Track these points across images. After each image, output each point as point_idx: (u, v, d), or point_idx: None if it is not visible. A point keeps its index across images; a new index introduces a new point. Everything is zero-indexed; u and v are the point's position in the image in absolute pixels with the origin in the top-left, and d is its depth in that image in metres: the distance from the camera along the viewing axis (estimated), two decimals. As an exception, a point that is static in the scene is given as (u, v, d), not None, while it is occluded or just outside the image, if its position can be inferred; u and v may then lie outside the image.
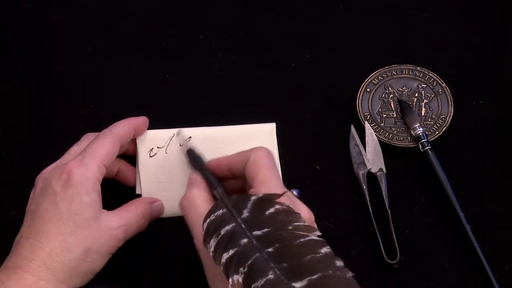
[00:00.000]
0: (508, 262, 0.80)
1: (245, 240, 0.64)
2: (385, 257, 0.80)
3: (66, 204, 0.73)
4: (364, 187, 0.83)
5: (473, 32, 0.94)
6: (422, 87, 0.89)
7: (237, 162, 0.73)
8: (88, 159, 0.76)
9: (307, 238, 0.64)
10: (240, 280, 0.63)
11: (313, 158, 0.86)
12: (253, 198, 0.67)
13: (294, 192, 0.75)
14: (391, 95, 0.89)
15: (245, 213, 0.66)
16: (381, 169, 0.84)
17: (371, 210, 0.82)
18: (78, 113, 0.89)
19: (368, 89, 0.89)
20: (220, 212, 0.67)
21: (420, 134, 0.85)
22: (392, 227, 0.81)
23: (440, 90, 0.89)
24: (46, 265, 0.71)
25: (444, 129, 0.87)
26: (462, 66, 0.91)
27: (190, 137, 0.84)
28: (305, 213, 0.69)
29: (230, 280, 0.63)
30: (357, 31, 0.94)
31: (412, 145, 0.86)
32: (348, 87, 0.90)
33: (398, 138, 0.87)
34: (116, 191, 0.83)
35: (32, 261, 0.71)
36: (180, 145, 0.83)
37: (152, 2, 0.98)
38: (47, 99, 0.91)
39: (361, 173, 0.84)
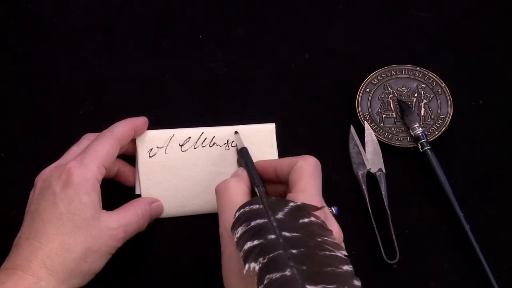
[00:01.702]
0: (507, 262, 0.80)
1: (272, 236, 0.65)
2: (384, 257, 0.80)
3: (66, 205, 0.73)
4: (364, 187, 0.83)
5: (472, 32, 0.93)
6: (422, 87, 0.89)
7: (284, 165, 0.74)
8: (88, 160, 0.76)
9: (333, 253, 0.65)
10: (257, 268, 0.63)
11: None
12: (291, 204, 0.68)
13: (333, 209, 0.74)
14: (391, 95, 0.89)
15: (279, 215, 0.67)
16: (380, 169, 0.84)
17: (370, 210, 0.82)
18: (78, 113, 0.89)
19: (367, 89, 0.89)
20: (256, 206, 0.68)
21: (420, 134, 0.85)
22: (391, 227, 0.81)
23: (439, 90, 0.89)
24: (45, 265, 0.71)
25: (443, 129, 0.87)
26: (461, 66, 0.91)
27: (190, 137, 0.84)
28: (336, 231, 0.69)
29: (247, 266, 0.63)
30: (356, 31, 0.94)
31: (412, 145, 0.86)
32: (348, 87, 0.90)
33: (398, 138, 0.87)
34: (116, 191, 0.83)
35: (32, 261, 0.71)
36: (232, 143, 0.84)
37: (152, 2, 0.98)
38: (47, 99, 0.91)
39: (360, 173, 0.84)
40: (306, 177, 0.71)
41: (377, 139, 0.86)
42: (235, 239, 0.66)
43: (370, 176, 0.84)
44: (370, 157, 0.85)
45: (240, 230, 0.66)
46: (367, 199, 0.82)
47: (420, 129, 0.85)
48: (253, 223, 0.66)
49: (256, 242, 0.65)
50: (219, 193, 0.73)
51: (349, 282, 0.62)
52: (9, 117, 0.90)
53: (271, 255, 0.63)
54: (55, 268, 0.71)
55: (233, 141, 0.84)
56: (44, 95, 0.91)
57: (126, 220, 0.76)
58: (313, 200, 0.69)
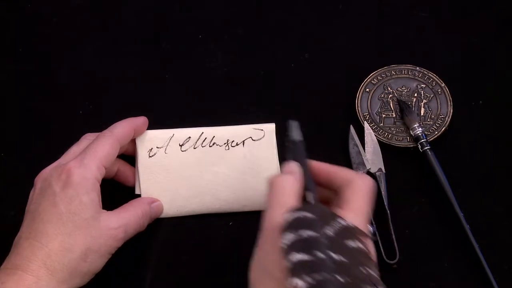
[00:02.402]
0: (507, 262, 0.80)
1: (322, 256, 0.63)
2: (384, 257, 0.80)
3: (66, 205, 0.73)
4: (364, 187, 0.83)
5: (472, 32, 0.93)
6: (421, 87, 0.89)
7: (340, 177, 0.72)
8: (87, 160, 0.76)
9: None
10: (303, 287, 0.61)
11: (312, 158, 0.85)
12: (342, 222, 0.66)
13: (370, 228, 0.73)
14: (390, 95, 0.89)
15: (330, 231, 0.65)
16: (380, 169, 0.84)
17: (370, 210, 0.82)
18: (77, 113, 0.89)
19: (367, 89, 0.89)
20: (309, 215, 0.65)
21: (419, 134, 0.85)
22: (391, 227, 0.81)
23: (439, 90, 0.89)
24: (45, 265, 0.71)
25: (443, 129, 0.87)
26: (461, 66, 0.91)
27: (190, 137, 0.84)
28: (373, 255, 0.67)
29: (293, 280, 0.61)
30: (356, 31, 0.94)
31: (411, 145, 0.86)
32: (347, 87, 0.90)
33: (397, 138, 0.87)
34: (116, 191, 0.83)
35: (32, 261, 0.71)
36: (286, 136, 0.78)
37: (151, 2, 0.98)
38: (46, 99, 0.91)
39: (360, 173, 0.84)
40: (361, 198, 0.69)
41: (377, 139, 0.86)
42: (284, 245, 0.63)
43: (370, 176, 0.84)
44: (370, 157, 0.85)
45: (289, 237, 0.64)
46: (367, 199, 0.82)
47: (420, 129, 0.85)
48: (304, 234, 0.64)
49: (305, 257, 0.62)
50: (273, 188, 0.69)
51: None
52: (8, 117, 0.90)
53: (320, 278, 0.61)
54: (55, 268, 0.71)
55: (233, 140, 0.84)
56: (44, 95, 0.91)
57: (126, 220, 0.76)
58: (362, 224, 0.67)
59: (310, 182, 0.71)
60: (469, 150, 0.87)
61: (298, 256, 0.62)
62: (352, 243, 0.64)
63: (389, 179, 0.84)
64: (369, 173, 0.84)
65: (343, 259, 0.63)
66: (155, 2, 0.98)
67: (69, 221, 0.73)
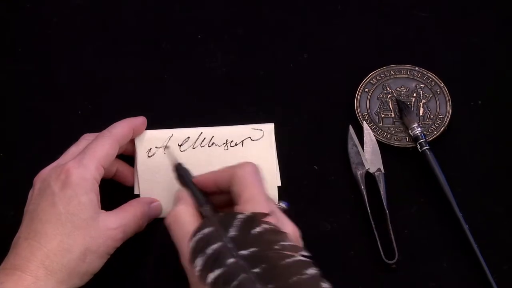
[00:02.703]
0: (506, 262, 0.80)
1: (231, 260, 0.64)
2: (383, 257, 0.80)
3: (65, 205, 0.73)
4: (362, 187, 0.83)
5: (471, 32, 0.93)
6: (420, 87, 0.89)
7: (223, 177, 0.72)
8: (86, 160, 0.76)
9: (294, 259, 0.64)
10: None
11: (311, 158, 0.86)
12: (240, 216, 0.67)
13: (283, 204, 0.74)
14: (389, 95, 0.89)
15: (232, 232, 0.66)
16: (379, 169, 0.84)
17: (369, 210, 0.82)
18: (76, 113, 0.89)
19: (366, 89, 0.89)
20: (206, 230, 0.67)
21: (418, 134, 0.85)
22: (390, 227, 0.81)
23: (438, 90, 0.89)
24: (44, 265, 0.71)
25: (442, 129, 0.87)
26: (460, 66, 0.91)
27: (189, 137, 0.84)
28: (291, 230, 0.69)
29: None
30: (355, 31, 0.94)
31: (410, 145, 0.86)
32: (346, 87, 0.90)
33: (396, 138, 0.87)
34: (115, 191, 0.83)
35: (31, 261, 0.71)
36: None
37: (151, 2, 0.98)
38: (45, 99, 0.91)
39: (359, 173, 0.84)
40: (249, 186, 0.70)
41: (376, 139, 0.86)
42: (197, 273, 0.65)
43: (369, 176, 0.84)
44: (369, 157, 0.85)
45: (198, 262, 0.65)
46: (366, 199, 0.82)
47: (419, 129, 0.85)
48: (209, 251, 0.65)
49: (217, 271, 0.64)
50: (171, 227, 0.71)
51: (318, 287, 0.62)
52: (8, 117, 0.91)
53: (236, 282, 0.62)
54: (53, 268, 0.71)
55: (232, 140, 0.84)
56: (43, 95, 0.91)
57: (125, 220, 0.76)
58: (261, 208, 0.68)
59: (201, 197, 0.72)
60: (468, 150, 0.87)
61: (212, 276, 0.64)
62: (258, 229, 0.65)
63: (388, 179, 0.84)
64: (368, 173, 0.84)
65: (253, 250, 0.64)
66: (155, 2, 0.98)
67: (68, 222, 0.73)
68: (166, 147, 0.82)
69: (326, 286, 0.63)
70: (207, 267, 0.64)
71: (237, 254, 0.64)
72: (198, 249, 0.66)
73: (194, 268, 0.66)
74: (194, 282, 0.68)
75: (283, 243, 0.65)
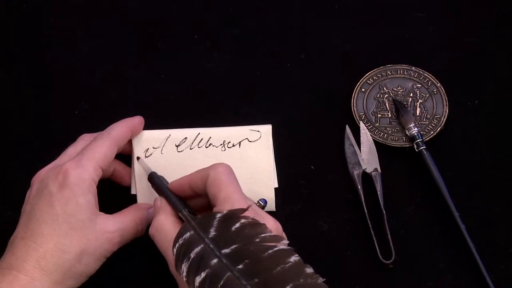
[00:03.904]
0: (503, 261, 0.80)
1: (215, 261, 0.65)
2: (380, 257, 0.79)
3: (62, 205, 0.73)
4: (359, 187, 0.83)
5: (468, 32, 0.93)
6: (417, 87, 0.89)
7: (197, 180, 0.74)
8: (85, 161, 0.76)
9: (275, 249, 0.65)
10: None
11: (308, 158, 0.86)
12: (218, 216, 0.68)
13: (261, 202, 0.74)
14: (386, 95, 0.89)
15: (212, 232, 0.67)
16: (376, 169, 0.84)
17: (366, 210, 0.82)
18: (73, 113, 0.89)
19: (363, 89, 0.89)
20: (187, 234, 0.68)
21: (415, 134, 0.85)
22: (387, 227, 0.81)
23: (435, 90, 0.89)
24: (40, 265, 0.71)
25: (439, 129, 0.87)
26: (457, 66, 0.91)
27: (186, 137, 0.84)
28: (271, 224, 0.69)
29: None
30: (352, 31, 0.94)
31: (407, 145, 0.86)
32: (343, 87, 0.90)
33: (393, 138, 0.87)
34: (112, 192, 0.83)
35: (26, 261, 0.71)
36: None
37: (147, 2, 0.98)
38: (42, 100, 0.91)
39: (356, 173, 0.84)
40: (224, 187, 0.71)
41: (373, 139, 0.86)
42: (184, 279, 0.66)
43: (366, 176, 0.84)
44: (366, 157, 0.85)
45: (184, 268, 0.66)
46: (363, 199, 0.82)
47: (416, 129, 0.85)
48: (192, 255, 0.66)
49: (203, 274, 0.65)
50: (155, 238, 0.73)
51: (302, 274, 0.63)
52: (5, 117, 0.90)
53: (222, 282, 0.64)
54: (49, 268, 0.71)
55: (229, 141, 0.84)
56: (40, 95, 0.91)
57: (123, 224, 0.76)
58: (239, 205, 0.69)
59: (178, 202, 0.74)
60: (465, 150, 0.87)
61: (197, 279, 0.65)
62: (237, 225, 0.67)
63: (384, 179, 0.84)
64: (365, 173, 0.84)
65: (234, 246, 0.65)
66: (152, 2, 0.98)
67: (65, 222, 0.73)
68: (137, 158, 0.82)
69: (310, 270, 0.63)
70: (193, 272, 0.66)
71: (220, 253, 0.65)
72: (181, 255, 0.67)
73: (181, 274, 0.67)
74: None
75: (263, 235, 0.66)
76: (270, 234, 0.66)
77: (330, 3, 0.96)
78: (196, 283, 0.65)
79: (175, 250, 0.68)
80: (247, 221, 0.67)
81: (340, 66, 0.92)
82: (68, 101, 0.91)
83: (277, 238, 0.66)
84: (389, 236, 0.80)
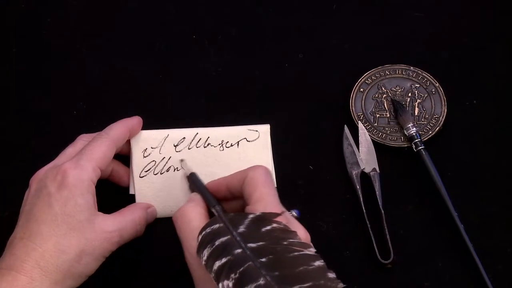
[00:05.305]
0: (501, 261, 0.80)
1: (238, 250, 0.65)
2: (378, 257, 0.80)
3: (61, 206, 0.73)
4: (358, 187, 0.83)
5: (466, 32, 0.94)
6: (416, 87, 0.89)
7: (235, 181, 0.74)
8: (84, 161, 0.76)
9: (301, 253, 0.65)
10: (231, 285, 0.63)
11: (306, 158, 0.86)
12: (250, 216, 0.68)
13: (294, 213, 0.74)
14: (385, 95, 0.89)
15: (241, 229, 0.67)
16: (374, 169, 0.84)
17: (364, 210, 0.82)
18: (71, 113, 0.89)
19: (361, 89, 0.89)
20: (216, 226, 0.68)
21: (414, 134, 0.85)
22: (385, 227, 0.81)
23: (433, 90, 0.89)
24: (39, 266, 0.71)
25: (437, 129, 0.87)
26: (455, 66, 0.92)
27: (184, 137, 0.84)
28: (302, 233, 0.69)
29: (220, 285, 0.64)
30: (350, 31, 0.94)
31: (406, 145, 0.86)
32: (342, 87, 0.90)
33: (392, 138, 0.87)
34: (111, 192, 0.83)
35: (26, 262, 0.71)
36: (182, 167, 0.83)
37: (145, 2, 0.98)
38: (40, 100, 0.91)
39: (354, 173, 0.84)
40: (260, 187, 0.71)
41: (371, 139, 0.86)
42: (203, 262, 0.66)
43: (364, 176, 0.84)
44: (364, 157, 0.85)
45: (206, 253, 0.66)
46: (361, 199, 0.82)
47: (414, 128, 0.85)
48: (217, 243, 0.66)
49: (224, 260, 0.65)
50: (177, 221, 0.72)
51: (324, 277, 0.63)
52: (3, 117, 0.90)
53: (242, 268, 0.63)
54: (48, 269, 0.71)
55: (228, 141, 0.84)
56: (38, 95, 0.91)
57: (122, 224, 0.76)
58: (272, 208, 0.69)
59: (212, 199, 0.74)
60: (463, 150, 0.87)
61: (217, 263, 0.65)
62: (268, 227, 0.66)
63: (383, 179, 0.84)
64: (363, 173, 0.84)
65: (261, 243, 0.65)
66: (150, 3, 0.98)
67: (64, 223, 0.73)
68: (181, 160, 0.83)
69: (332, 275, 0.63)
70: (214, 257, 0.65)
71: (245, 246, 0.65)
72: (206, 242, 0.67)
73: (201, 258, 0.66)
74: (198, 276, 0.69)
75: (292, 240, 0.66)
76: (299, 241, 0.66)
77: (328, 3, 0.96)
78: (215, 267, 0.65)
79: (200, 237, 0.68)
80: (279, 226, 0.67)
81: (338, 66, 0.92)
82: (67, 101, 0.91)
83: (305, 245, 0.66)
84: (387, 236, 0.80)
